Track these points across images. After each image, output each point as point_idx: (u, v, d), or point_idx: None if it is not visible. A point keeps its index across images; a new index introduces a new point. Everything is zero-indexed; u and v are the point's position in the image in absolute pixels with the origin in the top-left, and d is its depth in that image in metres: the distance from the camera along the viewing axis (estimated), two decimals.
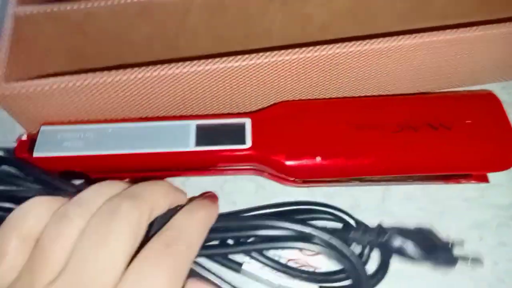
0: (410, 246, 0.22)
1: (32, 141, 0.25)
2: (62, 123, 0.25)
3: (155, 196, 0.18)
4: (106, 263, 0.15)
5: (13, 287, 0.16)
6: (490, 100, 0.25)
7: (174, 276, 0.16)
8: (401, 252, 0.22)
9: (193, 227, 0.18)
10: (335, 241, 0.21)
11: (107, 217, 0.16)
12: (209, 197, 0.21)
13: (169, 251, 0.16)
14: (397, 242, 0.22)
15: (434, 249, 0.22)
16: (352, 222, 0.23)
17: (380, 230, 0.23)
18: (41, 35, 0.27)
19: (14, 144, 0.25)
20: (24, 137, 0.25)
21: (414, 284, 0.24)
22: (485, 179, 0.26)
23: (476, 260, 0.23)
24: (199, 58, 0.24)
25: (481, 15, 0.30)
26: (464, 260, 0.23)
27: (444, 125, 0.24)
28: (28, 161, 0.23)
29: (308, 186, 0.26)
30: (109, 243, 0.16)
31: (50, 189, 0.22)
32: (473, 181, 0.26)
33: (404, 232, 0.23)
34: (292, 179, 0.25)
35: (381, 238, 0.22)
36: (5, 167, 0.23)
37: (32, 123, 0.25)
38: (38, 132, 0.25)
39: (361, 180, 0.26)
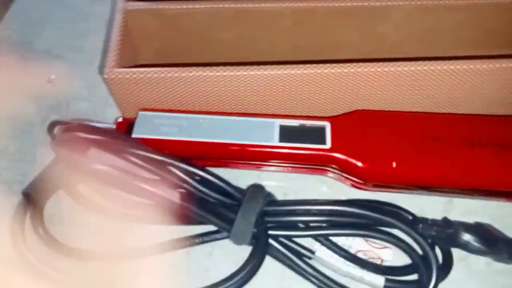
0: (475, 239, 0.23)
1: (128, 124, 0.27)
2: (156, 110, 0.28)
3: None
4: None
5: None
6: None
7: None
8: (465, 245, 0.24)
9: None
10: (413, 232, 0.22)
11: None
12: None
13: None
14: (463, 235, 0.24)
15: (496, 243, 0.24)
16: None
17: (447, 222, 0.24)
18: (144, 29, 0.30)
19: (111, 125, 0.28)
20: (121, 120, 0.28)
21: None
22: None
23: None
24: (280, 63, 0.26)
25: None
26: None
27: (509, 146, 0.26)
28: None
29: (375, 191, 0.28)
30: None
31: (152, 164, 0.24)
32: None
33: (467, 226, 0.24)
34: (363, 182, 0.27)
35: (449, 230, 0.24)
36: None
37: (130, 107, 0.28)
38: (135, 116, 0.27)
39: (428, 190, 0.27)
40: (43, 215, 0.25)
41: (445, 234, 0.24)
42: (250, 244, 0.23)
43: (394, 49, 0.33)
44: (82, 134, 0.24)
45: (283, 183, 0.29)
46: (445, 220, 0.25)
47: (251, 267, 0.22)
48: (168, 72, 0.26)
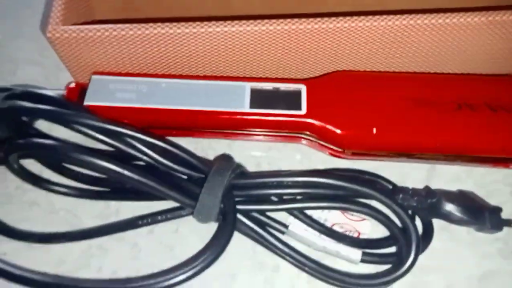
0: (457, 209, 0.22)
1: (82, 89, 0.25)
2: (112, 73, 0.25)
3: None
4: None
5: None
6: None
7: None
8: (447, 215, 0.22)
9: None
10: (392, 203, 0.21)
11: None
12: None
13: None
14: (445, 205, 0.22)
15: (480, 212, 0.22)
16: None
17: (428, 191, 0.23)
18: None
19: (62, 92, 0.25)
20: (73, 85, 0.25)
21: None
22: None
23: None
24: (253, 17, 0.23)
25: None
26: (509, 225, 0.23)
27: (503, 107, 0.24)
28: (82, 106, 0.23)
29: (355, 159, 0.26)
30: None
31: (106, 135, 0.21)
32: None
33: (450, 195, 0.23)
34: (342, 150, 0.25)
35: (431, 200, 0.22)
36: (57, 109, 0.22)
37: (83, 71, 0.25)
38: (89, 81, 0.24)
39: (409, 156, 0.26)
40: None
41: (427, 204, 0.22)
42: (217, 220, 0.21)
43: (380, 1, 0.30)
44: (25, 103, 0.22)
45: (256, 153, 0.27)
46: (427, 189, 0.23)
47: (217, 247, 0.20)
48: (122, 30, 0.23)
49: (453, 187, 0.26)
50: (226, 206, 0.21)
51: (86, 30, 0.22)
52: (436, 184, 0.26)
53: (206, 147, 0.27)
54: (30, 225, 0.24)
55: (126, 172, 0.21)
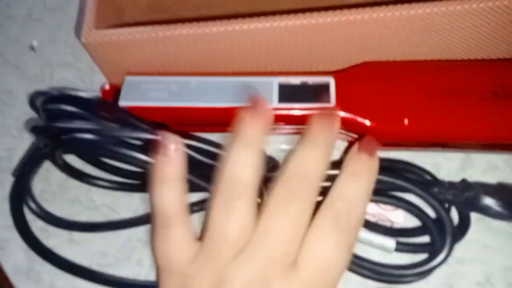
0: (496, 203, 0.21)
1: (115, 91, 0.25)
2: (144, 74, 0.26)
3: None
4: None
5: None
6: None
7: (344, 249, 0.17)
8: (484, 209, 0.22)
9: (361, 198, 0.18)
10: (428, 196, 0.20)
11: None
12: (369, 150, 0.19)
13: (340, 227, 0.17)
14: (483, 198, 0.22)
15: None
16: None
17: (466, 184, 0.22)
18: None
19: (96, 93, 0.26)
20: (107, 87, 0.26)
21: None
22: None
23: None
24: (281, 12, 0.23)
25: None
26: None
27: None
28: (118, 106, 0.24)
29: (386, 149, 0.26)
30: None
31: (137, 131, 0.22)
32: None
33: (488, 188, 0.22)
34: None
35: (467, 193, 0.22)
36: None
37: (116, 73, 0.26)
38: (122, 82, 0.25)
39: (444, 146, 0.25)
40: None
41: (464, 198, 0.22)
42: None
43: None
44: (65, 107, 0.23)
45: (288, 147, 0.27)
46: (464, 182, 0.23)
47: None
48: (153, 32, 0.23)
49: (490, 176, 0.25)
50: None
51: (118, 34, 0.23)
52: (472, 174, 0.25)
53: None
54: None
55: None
